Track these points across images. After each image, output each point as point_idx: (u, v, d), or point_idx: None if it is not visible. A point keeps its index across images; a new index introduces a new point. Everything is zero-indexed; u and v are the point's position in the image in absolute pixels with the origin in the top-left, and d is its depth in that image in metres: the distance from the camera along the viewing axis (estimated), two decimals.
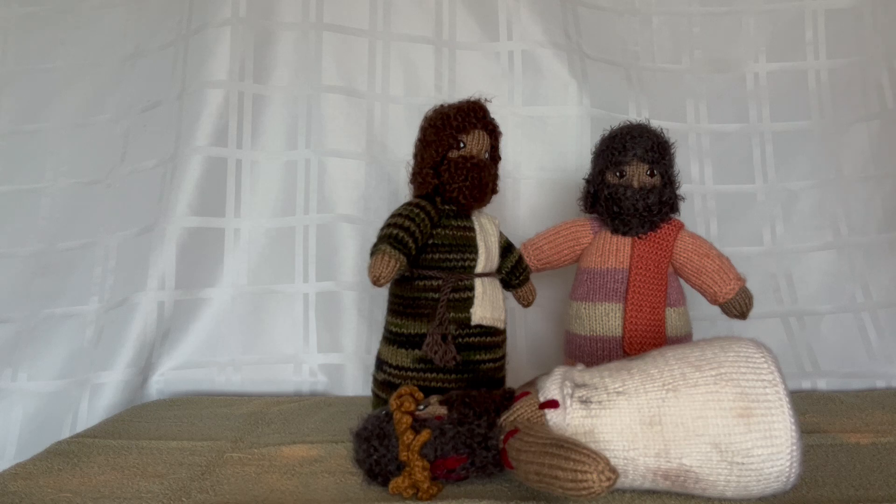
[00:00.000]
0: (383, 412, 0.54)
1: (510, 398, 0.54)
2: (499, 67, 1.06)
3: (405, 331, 0.66)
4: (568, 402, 0.50)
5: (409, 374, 0.66)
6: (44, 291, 0.99)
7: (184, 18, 1.04)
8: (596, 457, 0.43)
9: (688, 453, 0.47)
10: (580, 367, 0.55)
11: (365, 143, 1.01)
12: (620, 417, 0.48)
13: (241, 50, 0.99)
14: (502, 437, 0.50)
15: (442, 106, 0.69)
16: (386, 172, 1.02)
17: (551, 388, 0.51)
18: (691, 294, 0.79)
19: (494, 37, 1.06)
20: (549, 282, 0.93)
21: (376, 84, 1.04)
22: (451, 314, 0.65)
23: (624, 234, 0.76)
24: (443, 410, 0.53)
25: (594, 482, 0.42)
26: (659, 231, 0.76)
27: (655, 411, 0.48)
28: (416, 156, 0.70)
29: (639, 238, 0.76)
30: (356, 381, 0.95)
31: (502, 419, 0.52)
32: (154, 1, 1.08)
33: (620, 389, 0.50)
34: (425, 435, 0.51)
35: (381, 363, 0.69)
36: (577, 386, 0.51)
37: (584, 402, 0.49)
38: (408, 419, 0.52)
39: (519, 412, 0.51)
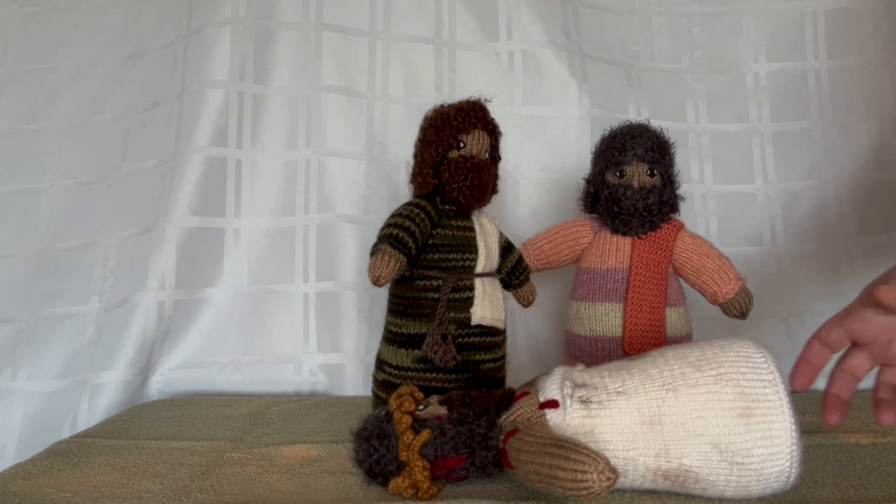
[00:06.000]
0: (383, 412, 0.54)
1: (510, 398, 0.54)
2: (499, 67, 1.06)
3: (405, 331, 0.66)
4: (568, 402, 0.49)
5: (409, 374, 0.66)
6: (44, 291, 0.99)
7: (184, 18, 1.04)
8: (596, 457, 0.43)
9: (688, 453, 0.47)
10: (580, 367, 0.55)
11: (365, 143, 1.02)
12: (620, 417, 0.48)
13: (241, 50, 0.99)
14: (502, 437, 0.50)
15: (442, 106, 0.69)
16: (386, 172, 1.02)
17: (551, 388, 0.51)
18: (691, 294, 0.79)
19: (494, 37, 1.06)
20: (549, 282, 0.93)
21: (376, 84, 1.04)
22: (451, 314, 0.65)
23: (624, 234, 0.76)
24: (443, 410, 0.53)
25: (594, 482, 0.42)
26: (659, 231, 0.76)
27: (655, 411, 0.48)
28: (416, 156, 0.70)
29: (639, 238, 0.76)
30: (356, 381, 0.95)
31: (502, 419, 0.52)
32: (154, 1, 1.08)
33: (620, 389, 0.50)
34: (425, 435, 0.51)
35: (381, 363, 0.69)
36: (577, 386, 0.51)
37: (584, 402, 0.49)
38: (408, 419, 0.51)
39: (519, 412, 0.51)
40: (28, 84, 1.09)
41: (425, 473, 0.50)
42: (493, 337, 0.68)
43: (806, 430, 0.64)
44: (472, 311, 0.66)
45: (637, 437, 0.48)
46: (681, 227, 0.78)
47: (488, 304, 0.67)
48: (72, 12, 1.10)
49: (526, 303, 0.76)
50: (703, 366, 0.49)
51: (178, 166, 0.96)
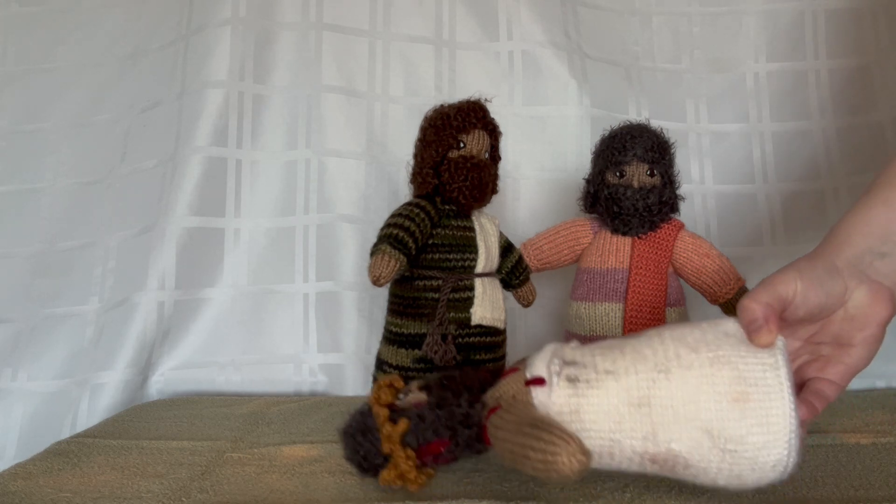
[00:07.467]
0: (365, 406, 0.54)
1: (498, 375, 0.53)
2: (499, 67, 1.06)
3: (405, 331, 0.66)
4: (555, 379, 0.47)
5: (409, 374, 0.66)
6: (44, 291, 0.99)
7: (184, 18, 1.04)
8: (569, 438, 0.42)
9: (676, 438, 0.44)
10: (573, 343, 0.52)
11: (365, 143, 1.02)
12: (608, 398, 0.46)
13: (241, 50, 0.99)
14: (485, 412, 0.49)
15: (442, 106, 0.69)
16: (386, 172, 1.02)
17: (539, 365, 0.49)
18: (691, 294, 0.79)
19: (494, 37, 1.06)
20: (549, 282, 0.93)
21: (376, 84, 1.04)
22: (451, 314, 0.65)
23: (624, 234, 0.76)
24: (423, 396, 0.52)
25: (564, 464, 0.41)
26: (659, 231, 0.76)
27: (645, 392, 0.45)
28: (416, 156, 0.70)
29: (639, 238, 0.76)
30: (356, 381, 0.95)
31: (487, 395, 0.50)
32: (154, 1, 1.08)
33: (610, 369, 0.47)
34: (403, 425, 0.50)
35: (381, 363, 0.69)
36: (566, 364, 0.48)
37: (572, 380, 0.47)
38: (385, 411, 0.51)
39: (504, 388, 0.50)
40: (28, 84, 1.09)
41: (409, 463, 0.49)
42: (493, 337, 0.68)
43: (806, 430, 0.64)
44: (472, 311, 0.66)
45: (624, 419, 0.45)
46: (681, 227, 0.78)
47: (488, 304, 0.67)
48: (72, 12, 1.10)
49: (526, 303, 0.76)
50: (700, 348, 0.46)
51: (178, 166, 0.96)
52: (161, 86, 1.03)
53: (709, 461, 0.44)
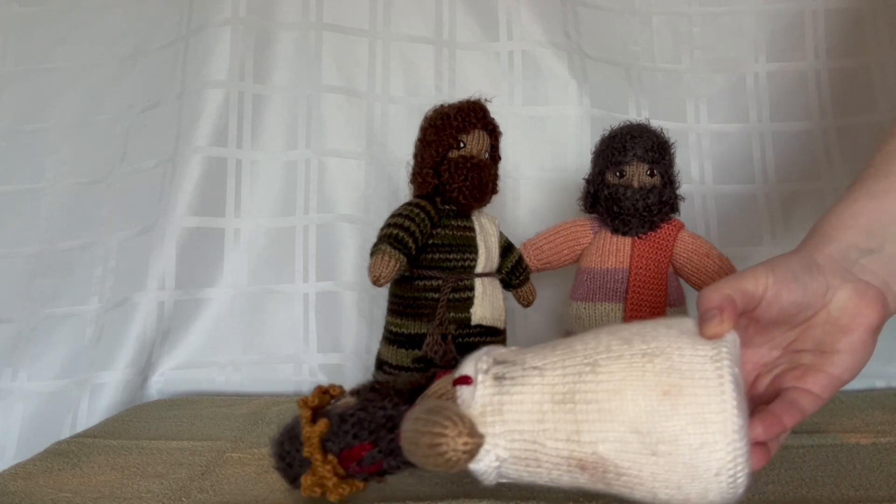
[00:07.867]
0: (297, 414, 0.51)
1: (433, 379, 0.50)
2: (499, 67, 1.06)
3: (405, 331, 0.66)
4: (480, 377, 0.43)
5: (409, 374, 0.66)
6: (44, 291, 0.99)
7: (184, 18, 1.04)
8: (457, 419, 0.39)
9: (603, 438, 0.39)
10: (513, 347, 0.48)
11: (365, 143, 1.02)
12: (531, 395, 0.41)
13: (241, 50, 0.99)
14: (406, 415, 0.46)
15: (442, 106, 0.69)
16: (386, 172, 1.02)
17: (468, 364, 0.45)
18: (691, 294, 0.79)
19: (494, 37, 1.06)
20: (549, 282, 0.93)
21: (376, 84, 1.04)
22: (451, 314, 0.65)
23: (624, 234, 0.77)
24: (352, 400, 0.49)
25: (447, 444, 0.39)
26: (659, 231, 0.76)
27: (570, 387, 0.40)
28: (416, 156, 0.70)
29: (639, 238, 0.76)
30: (356, 381, 0.94)
31: (418, 398, 0.48)
32: (154, 1, 1.08)
33: (538, 364, 0.43)
34: (322, 425, 0.47)
35: (381, 363, 0.69)
36: (496, 363, 0.44)
37: (499, 378, 0.43)
38: (308, 412, 0.48)
39: (433, 389, 0.47)
40: (28, 84, 1.09)
41: (328, 468, 0.46)
42: (493, 337, 0.68)
43: (806, 430, 0.64)
44: (472, 311, 0.66)
45: (546, 417, 0.40)
46: (681, 227, 0.78)
47: (488, 304, 0.67)
48: (72, 12, 1.10)
49: (526, 303, 0.76)
50: (634, 340, 0.41)
51: (178, 166, 0.96)
52: (161, 86, 1.03)
53: (641, 466, 0.38)
